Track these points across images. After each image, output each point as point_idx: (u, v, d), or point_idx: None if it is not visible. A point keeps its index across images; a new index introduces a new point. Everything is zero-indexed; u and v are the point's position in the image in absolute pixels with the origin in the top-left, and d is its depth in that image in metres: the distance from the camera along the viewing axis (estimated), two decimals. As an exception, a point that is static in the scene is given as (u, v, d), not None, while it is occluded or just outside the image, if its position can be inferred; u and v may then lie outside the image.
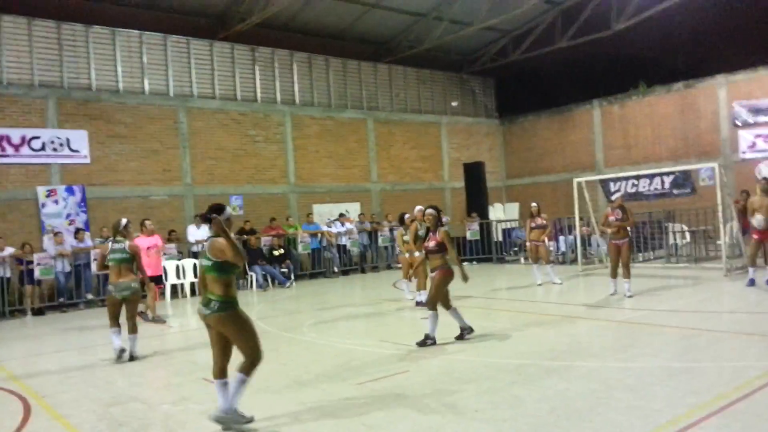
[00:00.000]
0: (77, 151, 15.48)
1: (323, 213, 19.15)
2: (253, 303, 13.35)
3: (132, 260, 7.98)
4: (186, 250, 15.83)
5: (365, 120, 21.17)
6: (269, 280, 15.96)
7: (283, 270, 16.23)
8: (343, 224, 18.39)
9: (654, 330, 7.85)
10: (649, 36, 19.44)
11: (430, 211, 7.93)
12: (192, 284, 15.00)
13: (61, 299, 13.87)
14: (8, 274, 13.36)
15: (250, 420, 4.97)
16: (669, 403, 4.92)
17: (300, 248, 17.35)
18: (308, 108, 19.84)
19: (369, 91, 21.52)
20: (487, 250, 19.03)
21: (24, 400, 6.27)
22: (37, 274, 13.35)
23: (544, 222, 13.14)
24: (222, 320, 4.85)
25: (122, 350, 7.78)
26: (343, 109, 20.70)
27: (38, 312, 13.40)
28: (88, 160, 15.61)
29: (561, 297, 11.54)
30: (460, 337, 7.83)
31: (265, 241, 16.62)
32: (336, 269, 17.91)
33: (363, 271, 18.63)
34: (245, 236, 16.46)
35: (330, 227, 18.14)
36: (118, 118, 16.16)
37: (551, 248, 15.86)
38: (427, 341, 7.59)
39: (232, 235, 4.89)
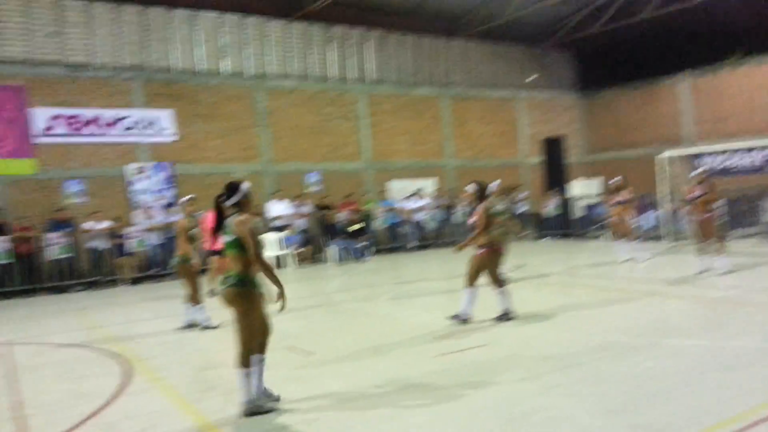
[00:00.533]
0: (164, 129, 16.16)
1: (399, 189, 19.23)
2: (331, 276, 13.66)
3: (179, 235, 8.27)
4: (267, 225, 16.30)
5: (440, 96, 20.97)
6: (347, 254, 16.23)
7: (360, 245, 16.47)
8: (418, 200, 18.41)
9: (748, 309, 7.47)
10: (743, 3, 18.17)
11: (470, 186, 7.77)
12: (275, 257, 15.46)
13: (153, 270, 14.65)
14: (105, 246, 14.23)
15: (278, 398, 4.98)
16: (765, 384, 4.70)
17: (376, 223, 17.54)
18: (382, 85, 19.84)
19: (443, 67, 21.26)
20: (567, 226, 18.59)
21: (125, 362, 6.70)
22: (130, 246, 14.15)
23: (628, 197, 12.69)
24: (233, 295, 4.72)
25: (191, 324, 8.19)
26: (418, 85, 20.56)
27: (133, 282, 14.22)
28: (174, 138, 16.28)
29: (646, 274, 11.16)
30: (456, 317, 7.54)
31: (342, 216, 16.88)
32: (412, 244, 18.00)
33: (439, 246, 18.62)
34: (323, 211, 16.80)
35: (406, 203, 18.21)
36: (199, 98, 16.74)
37: (635, 224, 15.31)
38: (503, 317, 7.53)
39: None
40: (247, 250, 4.68)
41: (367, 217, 17.63)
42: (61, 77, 15.05)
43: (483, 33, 21.21)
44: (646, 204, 16.69)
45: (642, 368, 5.31)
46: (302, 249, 16.04)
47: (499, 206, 10.29)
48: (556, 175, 19.47)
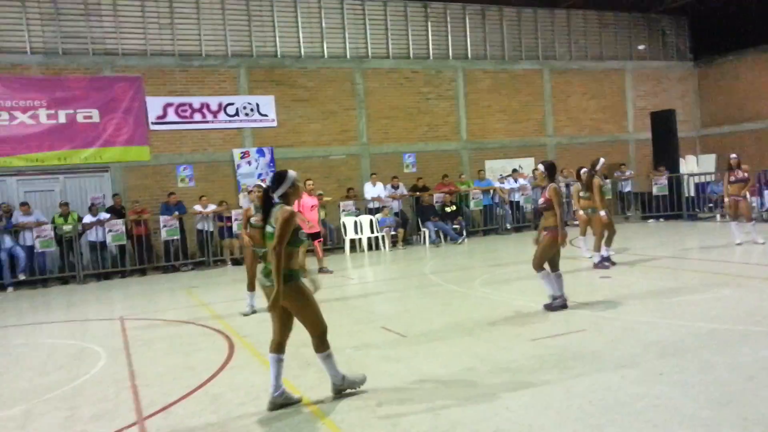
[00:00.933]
0: (266, 115, 16.72)
1: (496, 169, 18.88)
2: (425, 258, 13.66)
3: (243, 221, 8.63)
4: (363, 207, 16.55)
5: (541, 71, 20.28)
6: (441, 236, 16.18)
7: (455, 226, 16.35)
8: (516, 180, 18.00)
9: None
10: None
11: (539, 167, 7.48)
12: (369, 239, 15.70)
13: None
14: (211, 228, 14.99)
15: (363, 380, 4.90)
16: None
17: (472, 205, 17.35)
18: (481, 62, 19.45)
19: (545, 39, 20.51)
20: (677, 206, 17.53)
21: (228, 338, 7.05)
22: (234, 228, 14.80)
23: (746, 175, 11.77)
24: (283, 293, 4.51)
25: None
26: (517, 60, 19.98)
27: (236, 262, 14.89)
28: (275, 124, 16.81)
29: (763, 258, 10.33)
30: (549, 307, 7.20)
31: (437, 197, 16.82)
32: (508, 226, 17.66)
33: (537, 228, 18.13)
34: (418, 193, 16.81)
35: (502, 183, 17.86)
36: (300, 82, 17.14)
37: (754, 204, 14.20)
38: (554, 303, 7.19)
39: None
40: (291, 242, 4.51)
41: (462, 199, 17.47)
42: (173, 67, 15.91)
43: (588, 1, 20.24)
44: (765, 182, 15.42)
45: (755, 358, 4.93)
46: (397, 231, 16.15)
47: (607, 186, 9.89)
48: (665, 151, 18.38)
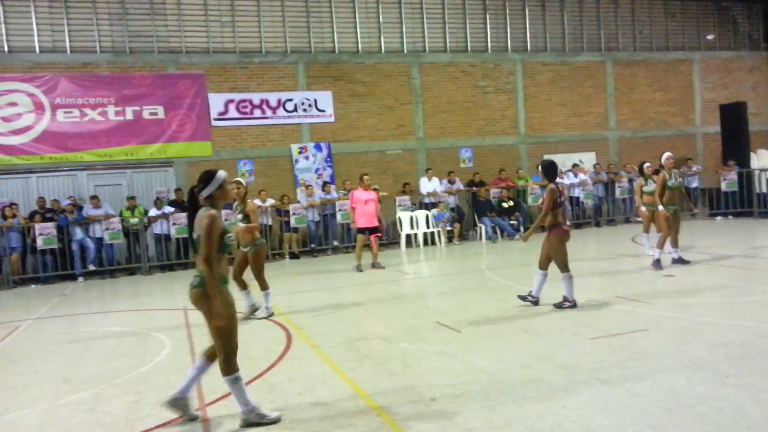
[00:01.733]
0: (323, 110, 16.91)
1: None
2: (481, 254, 13.54)
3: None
4: (419, 202, 16.53)
5: (603, 62, 19.75)
6: (498, 231, 15.99)
7: (512, 222, 16.14)
8: (576, 175, 17.60)
9: None
10: None
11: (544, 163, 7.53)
12: (424, 234, 15.68)
13: (312, 245, 15.50)
14: (270, 222, 15.28)
15: (277, 420, 4.35)
16: None
17: (530, 200, 17.07)
18: (540, 54, 19.10)
19: (608, 30, 19.95)
20: (748, 203, 16.77)
21: (286, 330, 7.19)
22: (292, 222, 15.06)
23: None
24: (199, 297, 4.27)
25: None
26: (579, 52, 19.52)
27: (294, 256, 15.16)
28: (332, 119, 16.97)
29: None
30: (559, 306, 7.22)
31: (494, 192, 16.62)
32: (568, 222, 17.24)
33: (598, 224, 17.73)
34: (474, 188, 16.67)
35: (562, 178, 17.49)
36: (357, 77, 17.25)
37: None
38: (565, 303, 7.17)
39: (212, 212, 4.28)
40: (203, 246, 4.22)
41: (519, 194, 17.21)
42: (234, 64, 16.28)
43: (653, -10, 19.60)
44: None
45: (833, 364, 4.68)
46: (453, 226, 16.06)
47: (672, 180, 9.56)
48: (735, 145, 17.60)
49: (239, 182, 8.01)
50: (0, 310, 10.66)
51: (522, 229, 16.07)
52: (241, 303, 6.71)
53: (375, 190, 13.66)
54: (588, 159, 18.83)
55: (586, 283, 8.90)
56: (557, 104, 19.18)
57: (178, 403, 4.48)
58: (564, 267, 7.18)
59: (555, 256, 7.16)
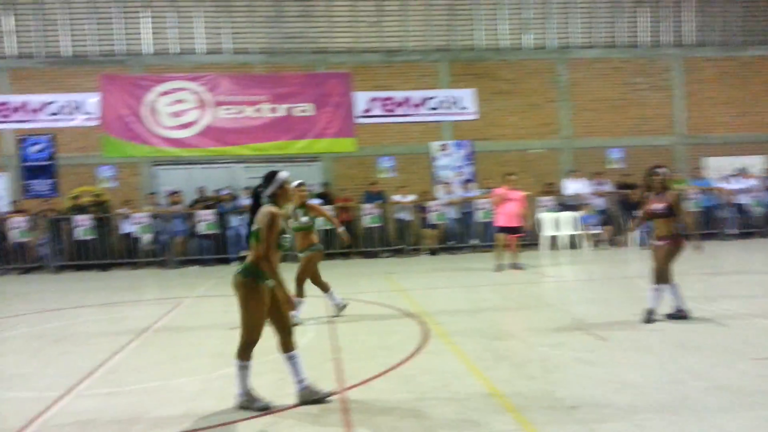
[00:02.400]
0: (465, 108, 16.83)
1: (717, 167, 17.02)
2: (631, 261, 12.80)
3: None
4: (562, 203, 15.92)
5: (776, 57, 17.85)
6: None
7: (666, 228, 15.04)
8: (742, 180, 16.05)
9: None
10: None
11: (657, 170, 7.17)
12: (568, 237, 15.09)
13: (451, 242, 15.49)
14: (410, 218, 15.49)
15: (265, 408, 4.56)
16: None
17: (688, 206, 15.79)
18: (702, 49, 17.63)
19: (783, 21, 18.00)
20: None
21: (423, 325, 7.23)
22: (432, 219, 15.15)
23: None
24: (237, 284, 4.49)
25: None
26: (747, 46, 17.76)
27: (432, 252, 15.24)
28: (474, 117, 16.85)
29: None
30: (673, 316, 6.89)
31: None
32: (732, 231, 15.82)
33: (766, 235, 16.05)
34: (625, 190, 15.76)
35: (726, 183, 16.05)
36: (500, 75, 16.97)
37: None
38: (651, 317, 6.80)
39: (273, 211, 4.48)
40: (259, 241, 4.42)
41: (676, 199, 15.99)
42: (378, 63, 16.68)
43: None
44: None
45: None
46: (600, 230, 15.29)
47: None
48: None
49: (303, 185, 7.72)
50: (166, 287, 11.77)
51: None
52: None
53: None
54: (756, 163, 17.11)
55: (751, 297, 8.12)
56: (722, 102, 17.61)
57: (306, 393, 4.66)
58: (669, 278, 6.99)
59: (665, 263, 7.02)
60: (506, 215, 11.74)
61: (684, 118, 17.51)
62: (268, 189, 4.63)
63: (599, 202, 15.78)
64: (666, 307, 7.12)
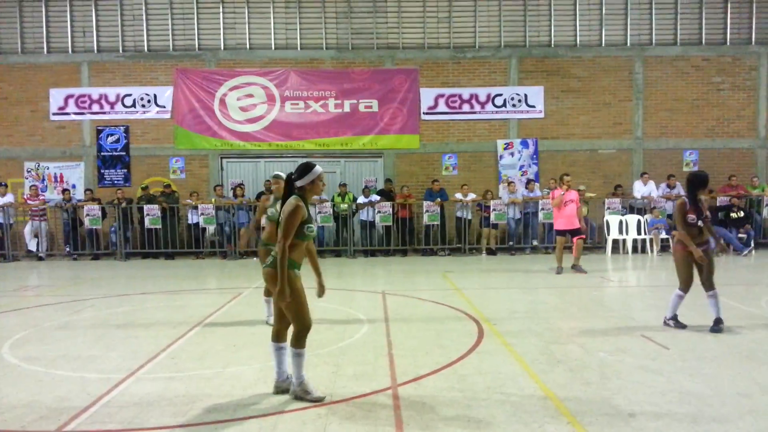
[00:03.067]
0: (533, 106, 16.49)
1: (801, 172, 16.06)
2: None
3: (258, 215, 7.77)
4: (629, 206, 15.41)
5: None
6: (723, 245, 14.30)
7: (741, 235, 14.35)
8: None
9: None
10: None
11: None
12: (634, 241, 14.59)
13: (511, 242, 15.25)
14: (470, 216, 15.33)
15: (319, 399, 4.60)
16: None
17: (765, 212, 15.02)
18: (791, 47, 16.61)
19: None
20: None
21: (478, 324, 7.15)
22: (492, 218, 14.94)
23: None
24: (271, 276, 4.58)
25: None
26: (841, 44, 16.63)
27: (491, 252, 15.04)
28: (542, 115, 16.48)
29: None
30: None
31: (721, 201, 14.90)
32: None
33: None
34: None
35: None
36: (573, 72, 16.52)
37: None
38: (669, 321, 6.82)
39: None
40: (281, 230, 4.46)
41: (753, 204, 15.21)
42: (447, 59, 16.55)
43: None
44: None
45: None
46: (668, 235, 14.69)
47: None
48: None
49: (279, 177, 7.04)
50: (227, 277, 12.09)
51: (752, 243, 14.23)
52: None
53: (580, 191, 12.99)
54: None
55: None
56: (809, 104, 16.57)
57: (283, 386, 4.79)
58: (682, 283, 6.81)
59: (676, 268, 6.87)
60: (566, 217, 11.50)
61: (767, 120, 16.57)
62: (301, 180, 4.62)
63: (670, 206, 15.16)
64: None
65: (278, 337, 4.83)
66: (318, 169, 4.66)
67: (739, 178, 15.56)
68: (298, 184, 4.62)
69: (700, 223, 6.77)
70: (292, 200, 4.53)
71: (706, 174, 7.04)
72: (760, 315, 7.52)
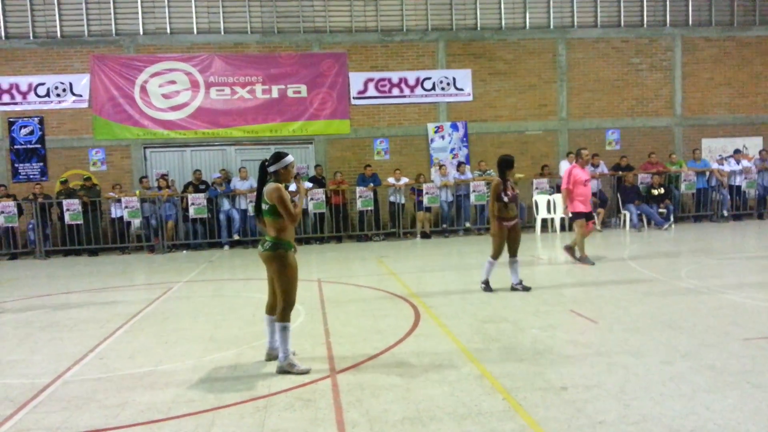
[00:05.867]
0: (461, 89, 16.67)
1: (714, 148, 16.99)
2: (624, 243, 12.77)
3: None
4: (557, 185, 15.87)
5: (776, 37, 17.68)
6: (645, 220, 14.98)
7: (661, 210, 15.05)
8: (738, 162, 16.02)
9: None
10: None
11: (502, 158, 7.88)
12: (562, 219, 15.05)
13: (444, 225, 15.44)
14: (403, 201, 15.41)
15: (305, 371, 4.97)
16: None
17: (683, 187, 15.81)
18: (703, 29, 17.44)
19: (784, 1, 17.82)
20: None
21: (415, 308, 7.20)
22: (425, 201, 15.08)
23: None
24: (269, 258, 4.98)
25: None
26: (750, 26, 17.58)
27: (425, 235, 15.19)
28: (470, 98, 16.70)
29: None
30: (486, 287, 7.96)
31: (642, 178, 15.57)
32: (725, 213, 15.82)
33: (761, 216, 16.06)
34: (620, 172, 15.71)
35: (722, 165, 16.01)
36: (499, 55, 16.79)
37: None
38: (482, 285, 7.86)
39: (282, 188, 4.95)
40: (281, 215, 4.92)
41: (671, 180, 15.98)
42: (375, 43, 16.47)
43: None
44: None
45: None
46: (595, 212, 15.22)
47: None
48: None
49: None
50: (156, 272, 11.70)
51: (672, 218, 14.94)
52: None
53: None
54: (753, 144, 17.07)
55: (742, 277, 8.10)
56: (720, 84, 17.48)
57: (274, 353, 5.25)
58: (494, 254, 7.91)
59: (492, 240, 7.90)
60: (584, 198, 9.97)
61: (682, 99, 17.39)
62: (273, 166, 5.06)
63: (594, 185, 15.70)
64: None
65: (271, 310, 5.25)
66: (289, 158, 5.10)
67: (658, 155, 16.28)
68: (271, 169, 5.05)
69: (506, 198, 7.79)
70: (272, 185, 4.95)
71: (513, 157, 7.98)
72: (680, 286, 7.91)
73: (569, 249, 10.36)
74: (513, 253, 7.95)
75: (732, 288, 7.57)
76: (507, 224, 7.85)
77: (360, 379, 4.77)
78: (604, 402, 4.07)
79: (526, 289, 7.91)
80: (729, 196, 15.91)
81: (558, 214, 15.07)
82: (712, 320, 6.05)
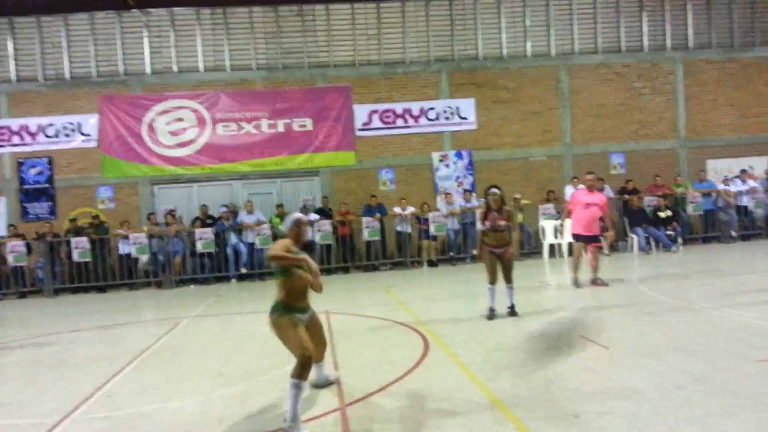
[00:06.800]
0: (465, 118, 16.80)
1: (720, 169, 16.95)
2: (633, 266, 12.69)
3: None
4: (564, 210, 15.82)
5: (778, 57, 17.75)
6: (653, 243, 14.89)
7: (668, 233, 14.96)
8: (744, 182, 15.97)
9: None
10: None
11: (493, 191, 8.00)
12: (569, 244, 14.96)
13: (451, 253, 15.40)
14: (410, 230, 15.41)
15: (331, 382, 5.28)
16: None
17: (690, 209, 15.75)
18: (704, 51, 17.55)
19: (783, 21, 17.92)
20: None
21: (423, 337, 7.15)
22: (432, 230, 15.07)
23: None
24: (271, 324, 4.86)
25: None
26: (749, 48, 17.68)
27: (432, 264, 15.14)
28: (474, 126, 16.81)
29: None
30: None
31: (649, 201, 15.53)
32: (733, 233, 15.70)
33: (770, 237, 15.95)
34: (626, 196, 15.68)
35: (728, 185, 15.96)
36: (501, 83, 16.94)
37: None
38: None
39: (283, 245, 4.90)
40: (287, 274, 4.87)
41: (678, 202, 15.93)
42: (378, 75, 16.68)
43: None
44: None
45: None
46: (602, 237, 15.13)
47: None
48: None
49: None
50: (164, 307, 11.70)
51: (680, 240, 14.86)
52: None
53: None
54: (759, 164, 17.02)
55: (753, 298, 8.01)
56: (723, 105, 17.52)
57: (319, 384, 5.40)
58: (488, 279, 8.08)
59: (485, 266, 8.11)
60: (586, 221, 10.01)
61: (685, 121, 17.43)
62: (284, 225, 5.16)
63: (601, 209, 15.65)
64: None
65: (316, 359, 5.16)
66: (293, 216, 5.12)
67: (663, 178, 16.26)
68: (284, 230, 5.13)
69: (482, 227, 8.09)
70: (275, 245, 4.90)
71: (495, 187, 8.13)
72: (689, 308, 7.83)
73: (594, 281, 10.24)
74: (507, 280, 8.06)
75: (743, 309, 7.48)
76: (494, 250, 8.02)
77: (370, 412, 4.72)
78: (617, 429, 4.02)
79: (514, 314, 7.98)
80: (737, 217, 15.81)
81: (565, 239, 15.00)
82: (724, 342, 5.98)
